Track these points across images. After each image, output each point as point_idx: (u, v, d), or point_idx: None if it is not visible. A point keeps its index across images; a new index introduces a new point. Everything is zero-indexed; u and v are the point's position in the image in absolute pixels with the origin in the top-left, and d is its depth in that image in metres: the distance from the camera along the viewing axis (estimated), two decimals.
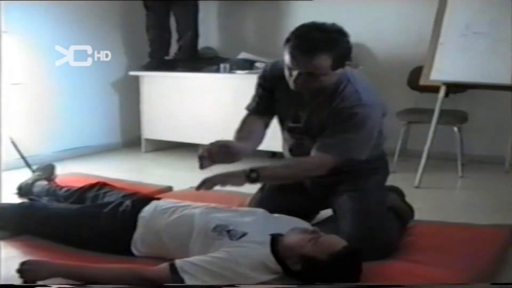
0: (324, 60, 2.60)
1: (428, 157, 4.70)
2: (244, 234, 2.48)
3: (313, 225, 2.85)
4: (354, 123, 2.67)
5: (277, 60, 2.90)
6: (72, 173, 4.37)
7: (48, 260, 2.49)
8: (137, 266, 2.42)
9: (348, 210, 2.82)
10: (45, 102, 5.73)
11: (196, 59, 6.21)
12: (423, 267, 2.55)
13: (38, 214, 2.98)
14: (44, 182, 3.63)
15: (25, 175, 3.91)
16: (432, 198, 4.39)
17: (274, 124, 3.02)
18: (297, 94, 2.76)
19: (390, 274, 2.48)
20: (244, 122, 2.97)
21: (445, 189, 4.77)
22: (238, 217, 2.65)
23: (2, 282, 2.14)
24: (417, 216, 3.26)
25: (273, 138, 3.11)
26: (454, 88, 4.85)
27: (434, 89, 4.73)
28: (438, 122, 4.68)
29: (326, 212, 3.17)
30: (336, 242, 2.36)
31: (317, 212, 3.20)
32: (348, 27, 2.70)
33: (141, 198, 2.94)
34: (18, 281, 2.34)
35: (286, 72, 2.70)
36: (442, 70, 4.56)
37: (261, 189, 3.20)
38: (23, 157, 4.55)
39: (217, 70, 5.91)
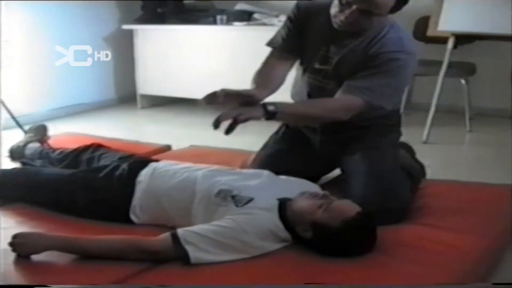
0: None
1: (436, 110, 4.59)
2: (250, 200, 2.33)
3: (321, 186, 2.70)
4: (391, 69, 2.55)
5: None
6: (65, 133, 4.23)
7: (42, 232, 2.36)
8: (136, 237, 2.26)
9: (361, 171, 2.67)
10: (36, 59, 5.55)
11: (184, 11, 6.03)
12: (438, 232, 2.41)
13: (31, 180, 2.82)
14: (37, 144, 3.49)
15: (18, 137, 3.76)
16: (441, 154, 4.30)
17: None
18: (332, 34, 2.63)
19: (406, 241, 2.34)
20: (267, 63, 2.77)
21: (453, 144, 4.68)
22: (242, 180, 2.49)
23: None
24: (428, 173, 3.14)
25: None
26: (462, 39, 4.71)
27: (441, 40, 4.62)
28: (445, 74, 4.57)
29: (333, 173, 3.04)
30: (349, 207, 2.22)
31: (324, 173, 3.03)
32: None
33: (138, 161, 2.79)
34: (8, 257, 2.20)
35: (336, 8, 2.54)
36: (450, 20, 4.46)
37: (264, 147, 3.05)
38: (13, 118, 4.39)
39: (214, 22, 5.75)
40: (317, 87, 2.75)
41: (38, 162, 3.29)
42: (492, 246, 2.35)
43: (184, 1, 6.17)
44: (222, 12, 5.80)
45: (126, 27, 6.16)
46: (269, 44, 2.83)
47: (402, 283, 2.04)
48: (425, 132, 4.54)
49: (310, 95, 2.82)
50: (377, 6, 2.47)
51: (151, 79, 6.12)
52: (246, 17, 5.59)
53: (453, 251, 2.24)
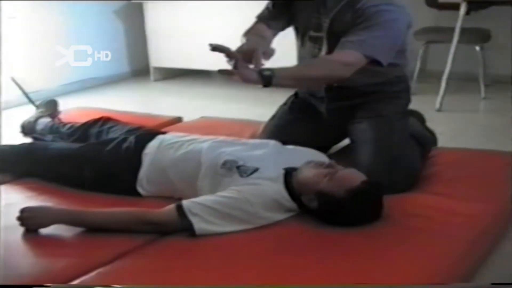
0: None
1: (449, 78, 4.53)
2: (255, 170, 2.32)
3: (329, 156, 2.68)
4: (380, 21, 2.51)
5: None
6: (76, 107, 4.22)
7: (49, 206, 2.38)
8: (142, 209, 2.28)
9: (368, 139, 2.65)
10: (47, 35, 5.54)
11: None
12: (448, 200, 2.38)
13: (39, 155, 2.85)
14: (48, 119, 3.49)
15: (30, 112, 3.77)
16: (455, 121, 4.28)
17: None
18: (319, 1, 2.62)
19: (415, 209, 2.32)
20: (252, 28, 2.77)
21: (467, 111, 4.65)
22: (248, 150, 2.48)
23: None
24: (439, 141, 3.10)
25: None
26: (475, 5, 4.64)
27: (454, 7, 4.58)
28: (459, 41, 4.55)
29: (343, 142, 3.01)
30: (354, 176, 2.20)
31: (334, 143, 3.01)
32: None
33: (145, 133, 2.79)
34: (17, 231, 2.21)
35: None
36: None
37: (272, 117, 3.04)
38: (25, 94, 4.40)
39: None
40: (317, 55, 2.73)
41: (49, 137, 3.30)
42: (502, 212, 2.33)
43: None
44: None
45: (135, 1, 6.15)
46: (256, 17, 2.84)
47: (409, 252, 2.03)
48: (438, 99, 4.49)
49: None
50: None
51: (163, 51, 6.12)
52: None
53: (462, 219, 2.22)
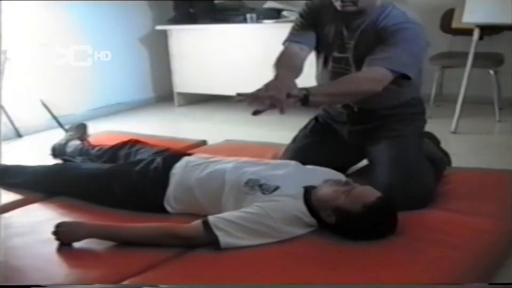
0: None
1: (464, 101, 4.63)
2: (276, 188, 2.45)
3: (347, 176, 2.81)
4: (404, 38, 2.66)
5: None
6: (104, 131, 4.37)
7: (83, 221, 2.51)
8: (170, 224, 2.42)
9: (386, 159, 2.77)
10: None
11: (215, 10, 6.16)
12: (462, 216, 2.50)
13: (71, 175, 3.00)
14: (77, 142, 3.62)
15: (59, 136, 3.91)
16: (469, 143, 4.34)
17: None
18: (342, 21, 2.79)
19: (428, 224, 2.44)
20: (282, 54, 2.85)
21: (482, 134, 4.69)
22: (270, 170, 2.61)
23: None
24: (454, 162, 3.21)
25: None
26: (488, 30, 4.72)
27: (468, 32, 4.65)
28: (473, 65, 4.60)
29: (360, 163, 3.13)
30: (370, 193, 2.33)
31: (351, 164, 3.13)
32: None
33: (172, 155, 2.92)
34: (52, 245, 2.36)
35: None
36: (475, 12, 4.46)
37: (293, 140, 3.16)
38: (55, 118, 4.56)
39: (244, 21, 5.87)
40: (341, 75, 2.81)
41: (78, 159, 3.42)
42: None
43: (215, 1, 6.28)
44: (252, 10, 5.92)
45: (160, 27, 6.29)
46: (284, 42, 2.93)
47: (421, 262, 2.15)
48: (454, 122, 4.58)
49: None
50: None
51: (187, 77, 6.24)
52: (275, 15, 5.69)
53: (472, 232, 2.34)
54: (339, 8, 2.73)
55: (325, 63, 2.93)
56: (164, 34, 6.28)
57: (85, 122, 3.98)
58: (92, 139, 3.77)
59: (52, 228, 2.41)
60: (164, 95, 6.56)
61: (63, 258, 2.35)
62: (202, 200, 2.60)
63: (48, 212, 2.79)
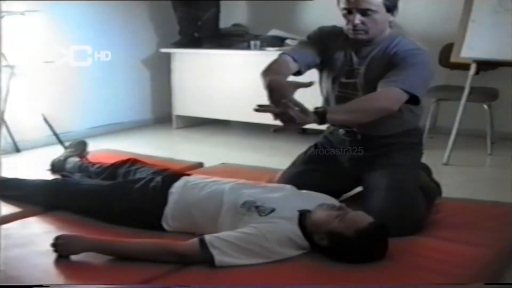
0: None
1: (458, 134, 4.70)
2: (272, 210, 2.51)
3: (341, 201, 2.85)
4: (415, 62, 2.77)
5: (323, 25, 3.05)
6: (104, 149, 4.42)
7: (81, 235, 2.56)
8: (167, 241, 2.48)
9: (382, 185, 2.83)
10: (78, 79, 5.80)
11: (219, 36, 6.24)
12: (450, 244, 2.57)
13: (71, 190, 3.05)
14: (76, 159, 3.67)
15: (58, 152, 3.97)
16: (460, 175, 4.40)
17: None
18: (352, 48, 2.90)
19: (417, 251, 2.52)
20: (273, 62, 2.91)
21: (473, 166, 4.78)
22: (266, 193, 2.68)
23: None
24: (445, 192, 3.27)
25: None
26: (484, 65, 4.82)
27: (465, 67, 4.72)
28: (468, 99, 4.68)
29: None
30: (362, 218, 2.40)
31: (347, 191, 3.19)
32: None
33: (171, 174, 2.97)
34: (50, 257, 2.42)
35: (345, 22, 2.84)
36: (473, 47, 4.56)
37: (291, 165, 3.22)
38: (55, 134, 4.62)
39: (248, 47, 5.95)
40: (347, 100, 2.85)
41: (77, 175, 3.48)
42: (497, 257, 2.51)
43: (221, 27, 6.39)
44: (256, 37, 6.01)
45: (164, 50, 6.37)
46: (279, 54, 2.98)
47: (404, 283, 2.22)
48: (446, 154, 4.65)
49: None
50: (370, 2, 2.75)
51: (187, 100, 6.31)
52: (278, 42, 5.77)
53: (457, 259, 2.40)
54: (351, 36, 2.85)
55: (333, 86, 3.00)
56: (167, 57, 6.36)
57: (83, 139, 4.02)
58: (90, 157, 3.81)
59: (50, 240, 2.46)
60: (162, 116, 6.62)
61: (60, 270, 2.40)
62: (199, 219, 2.66)
63: (47, 225, 2.84)
